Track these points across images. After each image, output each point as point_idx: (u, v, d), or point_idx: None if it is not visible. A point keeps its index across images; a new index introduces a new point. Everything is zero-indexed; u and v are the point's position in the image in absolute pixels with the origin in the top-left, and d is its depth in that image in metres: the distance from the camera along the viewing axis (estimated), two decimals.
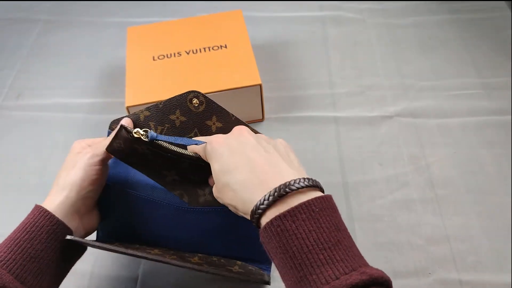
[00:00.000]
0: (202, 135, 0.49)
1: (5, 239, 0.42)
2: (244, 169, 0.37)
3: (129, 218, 0.51)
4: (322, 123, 0.70)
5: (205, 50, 0.71)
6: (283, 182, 0.35)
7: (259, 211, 0.35)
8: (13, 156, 0.70)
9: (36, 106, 0.77)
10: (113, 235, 0.52)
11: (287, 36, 0.85)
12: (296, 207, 0.34)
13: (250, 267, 0.51)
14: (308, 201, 0.34)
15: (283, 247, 0.33)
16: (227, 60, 0.69)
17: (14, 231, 0.42)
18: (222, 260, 0.50)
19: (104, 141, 0.48)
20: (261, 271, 0.51)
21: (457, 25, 0.84)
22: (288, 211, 0.34)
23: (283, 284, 0.35)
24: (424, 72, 0.77)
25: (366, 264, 0.33)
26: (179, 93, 0.48)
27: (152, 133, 0.45)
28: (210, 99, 0.48)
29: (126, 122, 0.48)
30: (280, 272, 0.35)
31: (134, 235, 0.51)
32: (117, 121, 0.50)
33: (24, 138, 0.73)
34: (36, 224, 0.42)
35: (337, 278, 0.31)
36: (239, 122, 0.48)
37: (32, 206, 0.44)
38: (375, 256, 0.55)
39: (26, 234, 0.41)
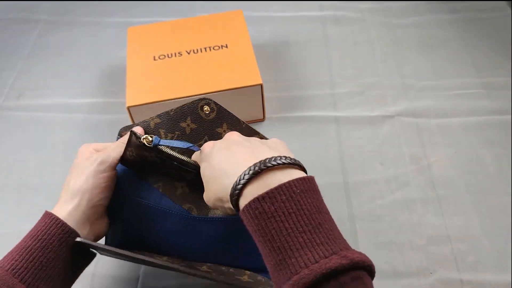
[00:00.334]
0: None
1: (16, 246, 0.42)
2: (227, 160, 0.37)
3: (137, 226, 0.50)
4: (322, 123, 0.70)
5: (206, 50, 0.71)
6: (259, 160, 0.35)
7: (237, 191, 0.34)
8: (13, 156, 0.70)
9: (36, 106, 0.77)
10: (121, 242, 0.52)
11: (287, 36, 0.85)
12: (276, 188, 0.32)
13: (259, 277, 0.50)
14: (288, 182, 0.33)
15: (262, 230, 0.32)
16: (228, 60, 0.69)
17: (25, 239, 0.42)
18: (231, 270, 0.49)
19: (112, 146, 0.48)
20: (270, 281, 0.51)
21: (457, 25, 0.84)
22: (267, 193, 0.32)
23: None
24: (424, 72, 0.77)
25: (348, 248, 0.32)
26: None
27: (156, 137, 0.44)
28: (221, 106, 0.48)
29: (137, 130, 0.47)
30: (263, 256, 0.34)
31: (142, 242, 0.51)
32: (126, 128, 0.50)
33: (24, 138, 0.73)
34: (48, 232, 0.42)
35: (317, 262, 0.30)
36: (250, 129, 0.48)
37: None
38: (376, 256, 0.55)
39: (37, 242, 0.41)
